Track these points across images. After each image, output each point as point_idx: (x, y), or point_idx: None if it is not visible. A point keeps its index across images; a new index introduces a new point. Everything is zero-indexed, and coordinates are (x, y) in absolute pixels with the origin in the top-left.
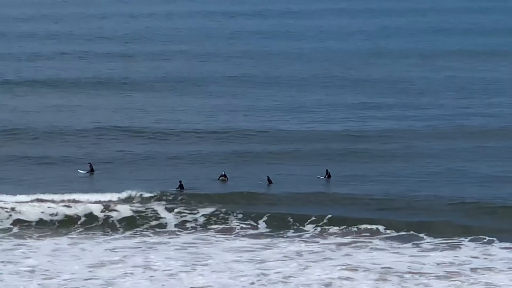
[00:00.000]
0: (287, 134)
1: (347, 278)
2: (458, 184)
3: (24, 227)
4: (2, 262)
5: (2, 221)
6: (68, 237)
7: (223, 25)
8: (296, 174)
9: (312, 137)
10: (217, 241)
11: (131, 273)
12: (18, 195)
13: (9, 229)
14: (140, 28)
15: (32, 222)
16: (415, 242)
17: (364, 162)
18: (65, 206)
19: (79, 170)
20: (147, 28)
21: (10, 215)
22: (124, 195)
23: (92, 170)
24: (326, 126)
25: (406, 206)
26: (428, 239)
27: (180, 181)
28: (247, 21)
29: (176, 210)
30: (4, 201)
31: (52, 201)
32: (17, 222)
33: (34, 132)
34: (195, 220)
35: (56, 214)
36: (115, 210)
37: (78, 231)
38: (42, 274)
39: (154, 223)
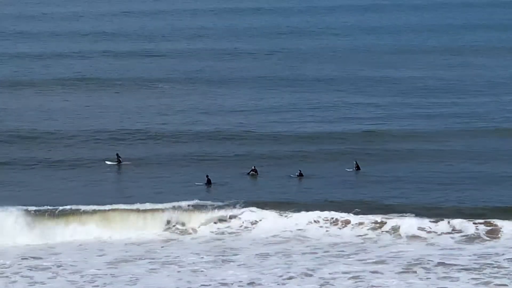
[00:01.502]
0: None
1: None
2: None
3: None
4: None
5: None
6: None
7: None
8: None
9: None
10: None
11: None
12: None
13: None
14: (161, 25)
15: None
16: None
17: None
18: None
19: (106, 162)
20: (168, 25)
21: None
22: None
23: (119, 162)
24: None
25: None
26: None
27: (207, 176)
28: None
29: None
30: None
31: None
32: None
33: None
34: None
35: None
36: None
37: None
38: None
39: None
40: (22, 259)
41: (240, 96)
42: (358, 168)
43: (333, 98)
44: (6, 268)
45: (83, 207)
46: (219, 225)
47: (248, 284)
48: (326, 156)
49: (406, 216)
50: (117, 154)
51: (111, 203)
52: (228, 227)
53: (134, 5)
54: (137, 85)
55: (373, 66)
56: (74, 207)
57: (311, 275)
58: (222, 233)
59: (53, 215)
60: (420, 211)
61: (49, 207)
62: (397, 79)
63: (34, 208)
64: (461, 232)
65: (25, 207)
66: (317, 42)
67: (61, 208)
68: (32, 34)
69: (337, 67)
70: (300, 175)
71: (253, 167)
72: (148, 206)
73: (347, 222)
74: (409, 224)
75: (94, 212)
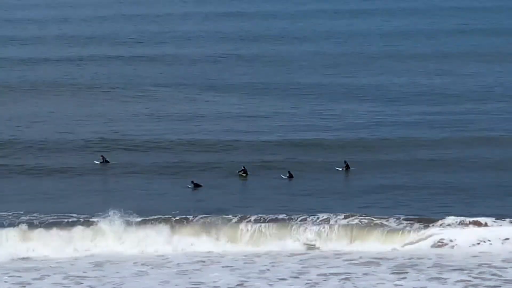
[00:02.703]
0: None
1: None
2: None
3: None
4: None
5: None
6: None
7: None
8: None
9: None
10: None
11: None
12: None
13: None
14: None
15: None
16: None
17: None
18: None
19: (95, 161)
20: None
21: None
22: None
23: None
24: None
25: None
26: None
27: (192, 181)
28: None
29: None
30: None
31: None
32: None
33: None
34: None
35: None
36: None
37: None
38: None
39: None
40: None
41: (228, 102)
42: (348, 167)
43: (318, 106)
44: None
45: None
46: None
47: None
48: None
49: None
50: (102, 156)
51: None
52: None
53: (117, 9)
54: (124, 90)
55: (364, 72)
56: None
57: None
58: None
59: None
60: None
61: None
62: (389, 85)
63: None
64: None
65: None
66: (305, 47)
67: None
68: (14, 38)
69: (326, 72)
70: (290, 176)
71: (243, 167)
72: None
73: None
74: None
75: None
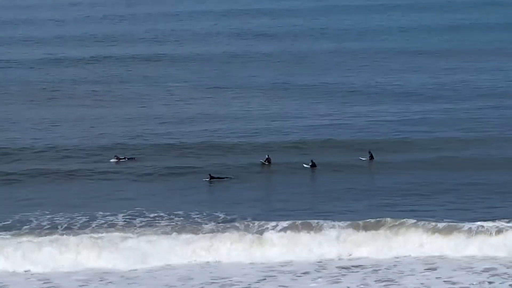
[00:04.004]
0: None
1: None
2: None
3: None
4: None
5: None
6: None
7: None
8: None
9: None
10: None
11: None
12: None
13: None
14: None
15: None
16: None
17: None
18: None
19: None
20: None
21: None
22: None
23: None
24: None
25: None
26: None
27: (209, 174)
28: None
29: None
30: None
31: None
32: None
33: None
34: None
35: None
36: None
37: None
38: None
39: None
40: None
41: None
42: (372, 157)
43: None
44: None
45: None
46: None
47: None
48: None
49: None
50: (115, 156)
51: None
52: None
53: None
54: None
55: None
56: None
57: None
58: None
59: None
60: None
61: None
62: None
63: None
64: None
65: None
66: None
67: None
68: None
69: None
70: (313, 165)
71: (267, 156)
72: None
73: None
74: None
75: None
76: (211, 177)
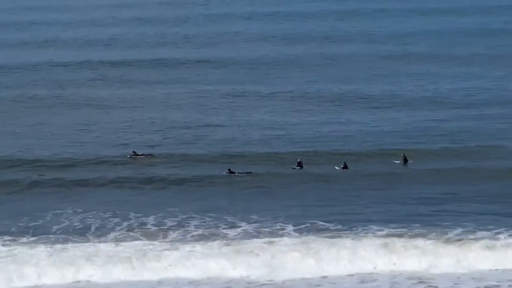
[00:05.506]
0: None
1: None
2: None
3: None
4: None
5: None
6: None
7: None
8: None
9: None
10: None
11: None
12: None
13: None
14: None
15: None
16: None
17: None
18: None
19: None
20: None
21: None
22: None
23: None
24: None
25: None
26: None
27: (229, 169)
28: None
29: None
30: None
31: None
32: None
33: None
34: None
35: None
36: None
37: None
38: None
39: None
40: None
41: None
42: (406, 160)
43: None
44: None
45: None
46: None
47: None
48: None
49: None
50: (133, 151)
51: None
52: None
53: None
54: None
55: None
56: None
57: None
58: None
59: None
60: None
61: None
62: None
63: None
64: None
65: None
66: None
67: None
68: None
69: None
70: (345, 167)
71: (299, 160)
72: None
73: None
74: None
75: None
76: (230, 171)
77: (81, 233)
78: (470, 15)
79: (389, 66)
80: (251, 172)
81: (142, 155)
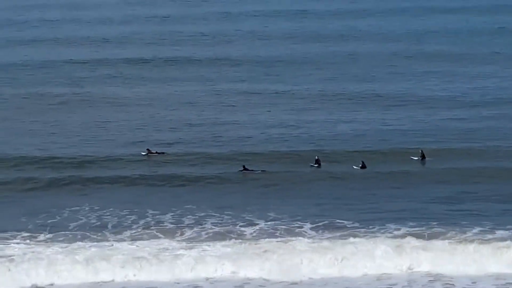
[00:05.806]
0: None
1: None
2: None
3: None
4: None
5: None
6: None
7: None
8: None
9: None
10: None
11: None
12: None
13: None
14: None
15: None
16: None
17: None
18: None
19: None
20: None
21: None
22: None
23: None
24: None
25: None
26: None
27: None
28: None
29: None
30: None
31: None
32: None
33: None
34: None
35: None
36: None
37: None
38: None
39: None
40: None
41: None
42: (423, 157)
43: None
44: None
45: None
46: None
47: None
48: None
49: None
50: (147, 149)
51: None
52: None
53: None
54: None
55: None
56: None
57: None
58: None
59: None
60: None
61: None
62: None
63: None
64: None
65: None
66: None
67: None
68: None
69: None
70: (363, 166)
71: (316, 157)
72: None
73: None
74: None
75: None
76: (245, 169)
77: (98, 231)
78: (488, 14)
79: (406, 64)
80: (265, 171)
81: (156, 152)
